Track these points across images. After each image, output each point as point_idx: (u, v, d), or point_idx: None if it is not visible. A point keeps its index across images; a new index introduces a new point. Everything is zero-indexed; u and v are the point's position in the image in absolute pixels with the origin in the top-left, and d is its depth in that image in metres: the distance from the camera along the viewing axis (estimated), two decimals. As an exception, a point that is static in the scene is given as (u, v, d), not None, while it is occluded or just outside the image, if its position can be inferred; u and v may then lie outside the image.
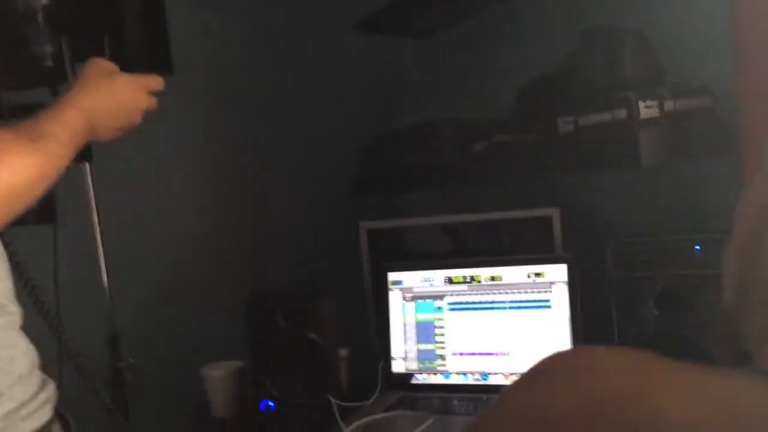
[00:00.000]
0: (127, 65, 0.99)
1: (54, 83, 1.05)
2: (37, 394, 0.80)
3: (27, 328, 0.83)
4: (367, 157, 1.80)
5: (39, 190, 0.75)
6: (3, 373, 0.76)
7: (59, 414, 0.83)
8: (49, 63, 1.04)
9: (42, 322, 0.92)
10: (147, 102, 0.95)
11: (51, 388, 0.83)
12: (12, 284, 0.82)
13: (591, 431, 0.38)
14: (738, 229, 0.56)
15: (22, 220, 1.15)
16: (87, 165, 1.13)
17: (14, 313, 0.80)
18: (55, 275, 1.23)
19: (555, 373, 0.42)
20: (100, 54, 1.01)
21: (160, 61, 1.06)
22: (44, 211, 1.35)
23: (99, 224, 1.22)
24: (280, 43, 1.87)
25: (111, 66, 0.93)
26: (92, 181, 1.14)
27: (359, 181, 1.82)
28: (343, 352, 1.62)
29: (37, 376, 0.82)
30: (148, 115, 0.98)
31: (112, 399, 1.17)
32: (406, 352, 1.51)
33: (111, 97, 0.89)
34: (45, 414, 0.80)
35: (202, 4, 1.65)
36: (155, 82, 0.97)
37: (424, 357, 1.47)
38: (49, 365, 0.87)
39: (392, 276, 1.52)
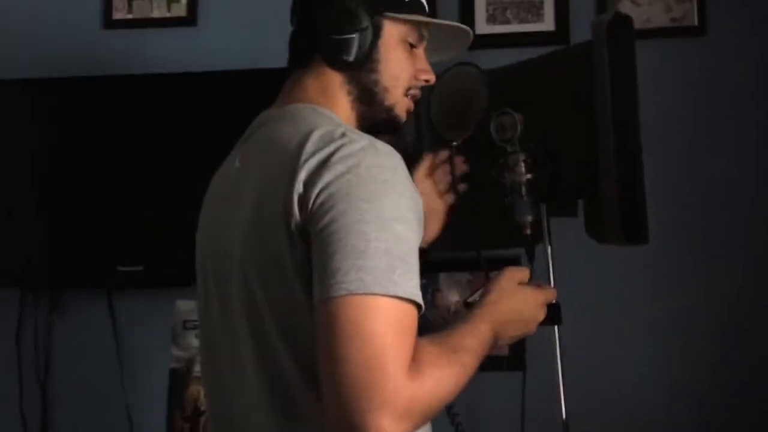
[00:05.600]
0: (602, 234, 1.04)
1: (530, 247, 1.15)
2: None
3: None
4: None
5: (453, 397, 0.80)
6: None
7: None
8: (528, 231, 1.14)
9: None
10: (543, 315, 0.98)
11: None
12: None
13: None
14: None
15: (497, 366, 1.55)
16: (556, 326, 1.15)
17: None
18: (522, 416, 1.45)
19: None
20: (572, 213, 1.15)
21: (634, 232, 1.03)
22: (516, 359, 1.62)
23: (563, 377, 1.19)
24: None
25: (522, 274, 0.97)
26: (559, 338, 1.17)
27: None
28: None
29: None
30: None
31: None
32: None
33: (517, 311, 0.94)
34: None
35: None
36: (553, 294, 1.01)
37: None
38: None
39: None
